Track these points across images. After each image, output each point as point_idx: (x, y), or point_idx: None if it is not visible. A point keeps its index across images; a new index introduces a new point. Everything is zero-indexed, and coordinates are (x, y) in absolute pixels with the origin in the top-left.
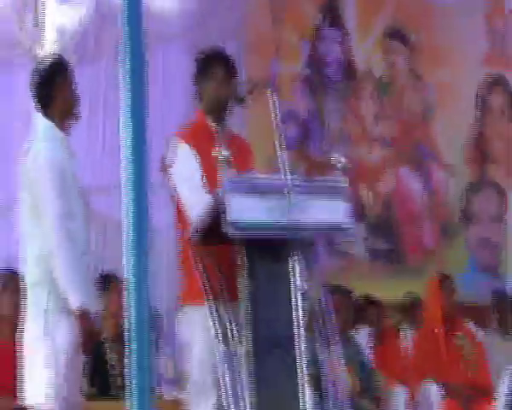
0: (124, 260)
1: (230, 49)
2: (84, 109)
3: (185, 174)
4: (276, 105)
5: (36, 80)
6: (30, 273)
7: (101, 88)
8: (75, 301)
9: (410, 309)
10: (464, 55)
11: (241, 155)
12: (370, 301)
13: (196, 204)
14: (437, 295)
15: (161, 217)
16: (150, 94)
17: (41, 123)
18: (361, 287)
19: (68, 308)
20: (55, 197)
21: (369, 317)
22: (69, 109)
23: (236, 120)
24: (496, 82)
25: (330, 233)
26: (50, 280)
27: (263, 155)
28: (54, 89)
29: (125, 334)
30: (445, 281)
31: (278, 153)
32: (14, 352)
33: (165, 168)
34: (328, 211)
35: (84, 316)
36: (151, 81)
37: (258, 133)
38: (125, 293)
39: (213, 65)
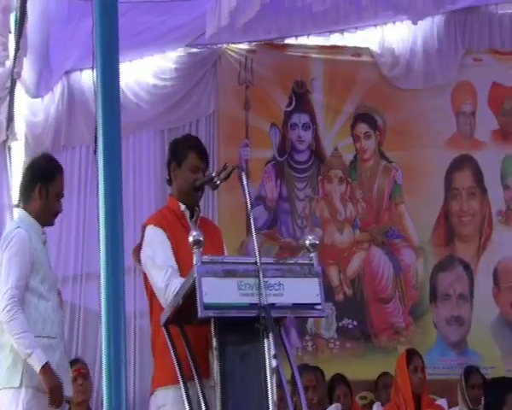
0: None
1: (201, 135)
2: None
3: (157, 258)
4: (249, 189)
5: (24, 178)
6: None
7: (74, 175)
8: (38, 362)
9: (381, 387)
10: (431, 137)
11: (213, 239)
12: (341, 381)
13: (168, 288)
14: (405, 371)
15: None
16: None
17: (20, 213)
18: (331, 367)
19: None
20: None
21: (340, 396)
22: (48, 210)
23: (206, 205)
24: (462, 162)
25: (302, 313)
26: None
27: (234, 240)
28: (38, 188)
29: None
30: (412, 357)
31: (251, 235)
32: None
33: (137, 253)
34: (300, 291)
35: (47, 373)
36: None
37: (228, 218)
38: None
39: (186, 152)
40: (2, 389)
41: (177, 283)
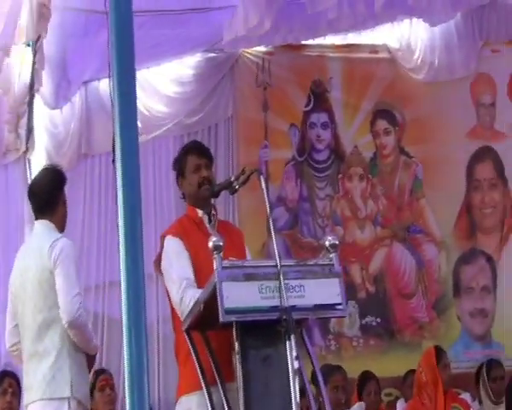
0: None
1: (220, 138)
2: (77, 208)
3: (173, 271)
4: (268, 193)
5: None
6: None
7: (94, 184)
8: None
9: (408, 385)
10: (452, 130)
11: (233, 241)
12: (371, 378)
13: (183, 300)
14: (435, 369)
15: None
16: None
17: (41, 224)
18: (355, 365)
19: None
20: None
21: (371, 392)
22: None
23: (227, 207)
24: (483, 153)
25: (324, 313)
26: None
27: (255, 241)
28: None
29: None
30: (441, 355)
31: (272, 236)
32: None
33: (158, 264)
34: (321, 292)
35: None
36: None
37: (249, 220)
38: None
39: (185, 159)
40: (41, 401)
41: (192, 294)
